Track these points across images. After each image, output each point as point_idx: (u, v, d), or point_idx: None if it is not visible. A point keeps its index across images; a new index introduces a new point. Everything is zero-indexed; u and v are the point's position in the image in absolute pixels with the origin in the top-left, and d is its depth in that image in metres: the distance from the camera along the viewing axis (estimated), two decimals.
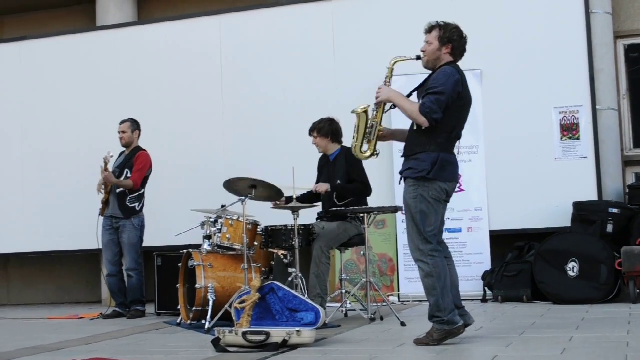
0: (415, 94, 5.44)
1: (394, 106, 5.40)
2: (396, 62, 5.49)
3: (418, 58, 5.44)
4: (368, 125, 5.43)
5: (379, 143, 5.50)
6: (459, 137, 5.36)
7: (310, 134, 7.47)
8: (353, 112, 5.47)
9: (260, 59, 9.73)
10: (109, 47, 10.37)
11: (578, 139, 8.62)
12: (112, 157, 8.27)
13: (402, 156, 5.41)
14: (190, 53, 10.01)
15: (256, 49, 9.74)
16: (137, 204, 8.34)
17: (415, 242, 5.25)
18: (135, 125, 8.55)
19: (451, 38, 5.33)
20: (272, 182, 6.98)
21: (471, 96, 5.38)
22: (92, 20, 11.13)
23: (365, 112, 5.43)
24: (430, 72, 5.43)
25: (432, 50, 5.35)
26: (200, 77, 9.93)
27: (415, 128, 5.29)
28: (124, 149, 8.56)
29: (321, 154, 7.57)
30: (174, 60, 10.06)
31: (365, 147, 5.45)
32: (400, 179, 5.39)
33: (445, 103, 5.15)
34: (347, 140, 7.49)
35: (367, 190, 7.27)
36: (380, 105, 5.41)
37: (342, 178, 7.26)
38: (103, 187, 8.37)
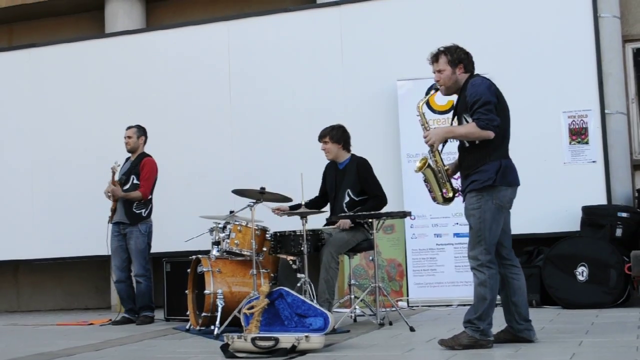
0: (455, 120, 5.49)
1: (445, 143, 5.42)
2: (422, 105, 5.51)
3: (436, 90, 5.53)
4: (436, 173, 5.42)
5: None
6: (509, 139, 5.38)
7: (320, 140, 7.43)
8: (416, 171, 5.46)
9: (268, 64, 9.74)
10: (118, 54, 10.40)
11: (587, 143, 8.60)
12: (119, 166, 8.30)
13: (461, 175, 5.40)
14: (199, 59, 10.03)
15: (264, 55, 9.75)
16: (143, 210, 8.35)
17: (475, 251, 5.24)
18: (141, 131, 8.58)
19: (459, 57, 5.40)
20: (280, 188, 7.00)
21: (505, 99, 5.39)
22: (101, 27, 11.16)
23: (428, 165, 5.42)
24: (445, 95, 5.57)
25: (447, 76, 5.40)
26: (208, 83, 9.95)
27: (467, 145, 5.31)
28: (129, 154, 8.59)
29: (329, 161, 7.55)
30: (182, 66, 10.08)
31: (444, 191, 5.43)
32: (464, 195, 5.37)
33: (495, 108, 5.18)
34: (357, 148, 7.54)
35: (383, 202, 7.28)
36: (434, 149, 5.40)
37: (353, 188, 7.26)
38: (110, 193, 8.39)
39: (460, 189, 5.47)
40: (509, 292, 5.35)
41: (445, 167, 5.43)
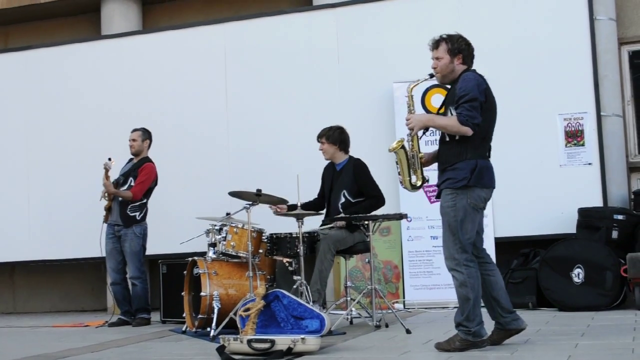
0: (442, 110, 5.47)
1: (426, 130, 5.42)
2: (413, 88, 5.49)
3: (431, 76, 5.47)
4: (409, 157, 5.42)
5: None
6: (490, 140, 5.38)
7: (318, 140, 7.46)
8: (390, 150, 5.45)
9: (264, 67, 9.74)
10: (114, 56, 10.40)
11: (583, 145, 8.61)
12: (113, 163, 8.28)
13: (439, 169, 5.40)
14: (195, 61, 10.03)
15: (260, 57, 9.76)
16: (137, 213, 8.35)
17: (450, 250, 5.23)
18: (146, 134, 8.59)
19: (460, 48, 5.37)
20: (276, 190, 7.01)
21: (495, 99, 5.38)
22: (97, 29, 11.16)
23: (403, 146, 5.41)
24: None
25: (444, 64, 5.36)
26: (204, 85, 9.95)
27: (447, 139, 5.30)
28: (133, 157, 8.59)
29: (327, 162, 7.57)
30: (179, 68, 10.08)
31: (413, 178, 5.44)
32: (439, 192, 5.37)
33: (480, 107, 5.18)
34: (354, 150, 7.55)
35: (380, 202, 7.30)
36: (413, 134, 5.39)
37: (349, 190, 7.27)
38: (105, 195, 8.39)
39: (435, 182, 5.45)
40: (487, 288, 5.34)
41: (420, 155, 5.43)
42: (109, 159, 8.25)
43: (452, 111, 5.25)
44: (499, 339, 5.36)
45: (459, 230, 5.20)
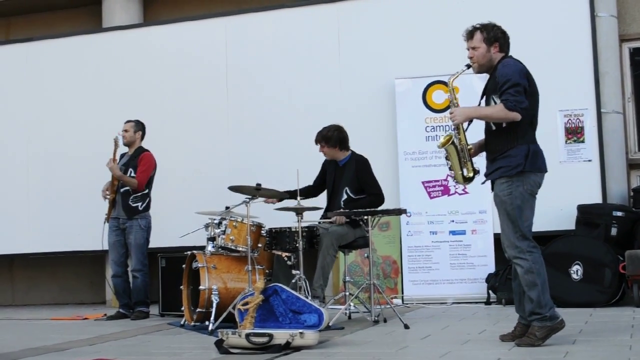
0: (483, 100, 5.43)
1: (470, 122, 5.36)
2: (453, 80, 5.40)
3: (468, 67, 5.40)
4: (459, 151, 5.35)
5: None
6: (537, 125, 5.32)
7: (317, 143, 7.44)
8: (440, 147, 5.40)
9: (265, 61, 9.73)
10: (115, 48, 10.38)
11: (583, 142, 8.60)
12: (122, 137, 8.37)
13: (487, 159, 5.36)
14: (196, 54, 10.01)
15: (261, 51, 9.74)
16: (139, 204, 8.35)
17: (511, 239, 5.20)
18: (138, 126, 8.60)
19: (496, 36, 5.33)
20: (275, 185, 7.01)
21: (536, 83, 5.31)
22: (98, 22, 11.14)
23: (452, 142, 5.33)
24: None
25: (481, 53, 5.33)
26: (205, 78, 9.93)
27: (494, 128, 5.25)
28: (127, 149, 8.60)
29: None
30: (180, 61, 10.06)
31: (464, 170, 5.37)
32: (487, 180, 5.34)
33: (524, 91, 5.13)
34: (355, 146, 7.54)
35: (380, 201, 7.30)
36: (460, 127, 5.33)
37: (351, 186, 7.27)
38: (107, 191, 8.40)
39: (483, 171, 5.39)
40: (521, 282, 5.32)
41: (469, 147, 5.37)
42: (119, 133, 8.27)
43: (494, 99, 5.21)
44: (520, 334, 5.30)
45: (518, 218, 5.16)
